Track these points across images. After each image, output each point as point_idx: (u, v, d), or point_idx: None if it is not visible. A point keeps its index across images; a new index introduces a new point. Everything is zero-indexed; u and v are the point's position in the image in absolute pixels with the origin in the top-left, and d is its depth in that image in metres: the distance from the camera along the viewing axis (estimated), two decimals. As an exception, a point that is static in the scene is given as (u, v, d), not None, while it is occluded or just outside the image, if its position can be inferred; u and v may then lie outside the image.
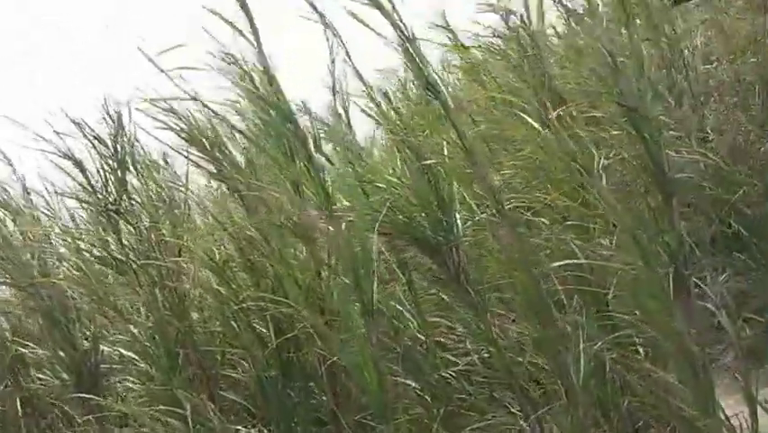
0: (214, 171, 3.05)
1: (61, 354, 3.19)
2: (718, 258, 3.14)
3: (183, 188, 3.24)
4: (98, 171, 3.14)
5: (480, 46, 3.98)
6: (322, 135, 3.10)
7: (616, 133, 2.74)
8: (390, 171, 2.69)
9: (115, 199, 3.10)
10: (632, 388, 2.79)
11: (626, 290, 2.61)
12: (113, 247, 3.16)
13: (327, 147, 3.16)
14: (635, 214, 2.58)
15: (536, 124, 2.76)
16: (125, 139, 3.17)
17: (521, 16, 3.51)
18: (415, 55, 2.44)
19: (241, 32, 2.53)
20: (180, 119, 3.00)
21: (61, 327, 3.18)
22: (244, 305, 2.86)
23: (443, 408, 2.76)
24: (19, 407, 3.55)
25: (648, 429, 2.78)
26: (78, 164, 3.15)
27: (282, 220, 2.74)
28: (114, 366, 3.15)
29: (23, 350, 3.57)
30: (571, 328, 2.69)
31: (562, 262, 2.68)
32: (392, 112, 3.02)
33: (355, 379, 2.44)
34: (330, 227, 2.44)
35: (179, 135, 3.01)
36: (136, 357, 2.96)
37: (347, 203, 2.62)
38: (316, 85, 3.25)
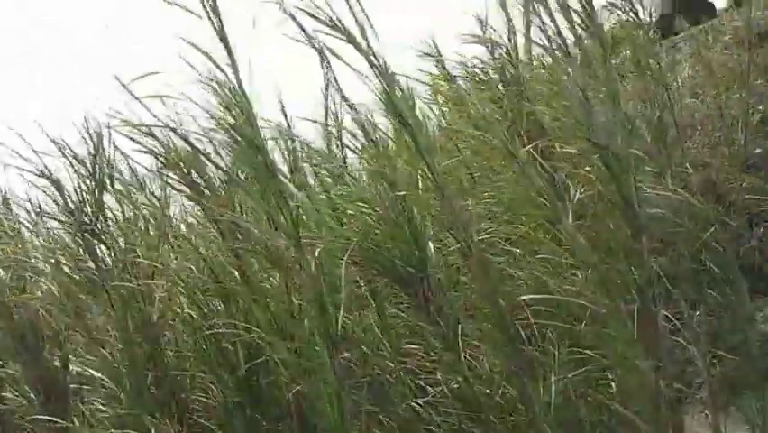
0: (192, 195, 3.07)
1: (30, 372, 3.18)
2: (693, 294, 3.15)
3: (160, 211, 3.26)
4: (75, 191, 3.14)
5: (466, 76, 4.01)
6: (304, 158, 3.12)
7: (588, 168, 2.76)
8: (363, 201, 2.71)
9: (91, 220, 3.11)
10: (600, 423, 2.79)
11: (594, 325, 2.62)
12: (89, 265, 3.16)
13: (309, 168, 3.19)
14: (602, 249, 2.59)
15: (510, 157, 2.77)
16: (104, 159, 3.18)
17: (506, 49, 3.55)
18: (386, 87, 2.46)
19: (218, 66, 2.55)
20: (159, 142, 3.02)
21: (29, 345, 3.17)
22: (215, 330, 2.86)
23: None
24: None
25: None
26: (56, 183, 3.16)
27: (254, 247, 2.75)
28: (85, 387, 3.14)
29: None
30: (539, 361, 2.70)
31: (531, 296, 2.69)
32: (370, 142, 3.03)
33: (317, 409, 2.44)
34: (297, 256, 2.45)
35: (157, 159, 3.03)
36: (106, 379, 2.96)
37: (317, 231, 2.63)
38: (305, 103, 3.28)
